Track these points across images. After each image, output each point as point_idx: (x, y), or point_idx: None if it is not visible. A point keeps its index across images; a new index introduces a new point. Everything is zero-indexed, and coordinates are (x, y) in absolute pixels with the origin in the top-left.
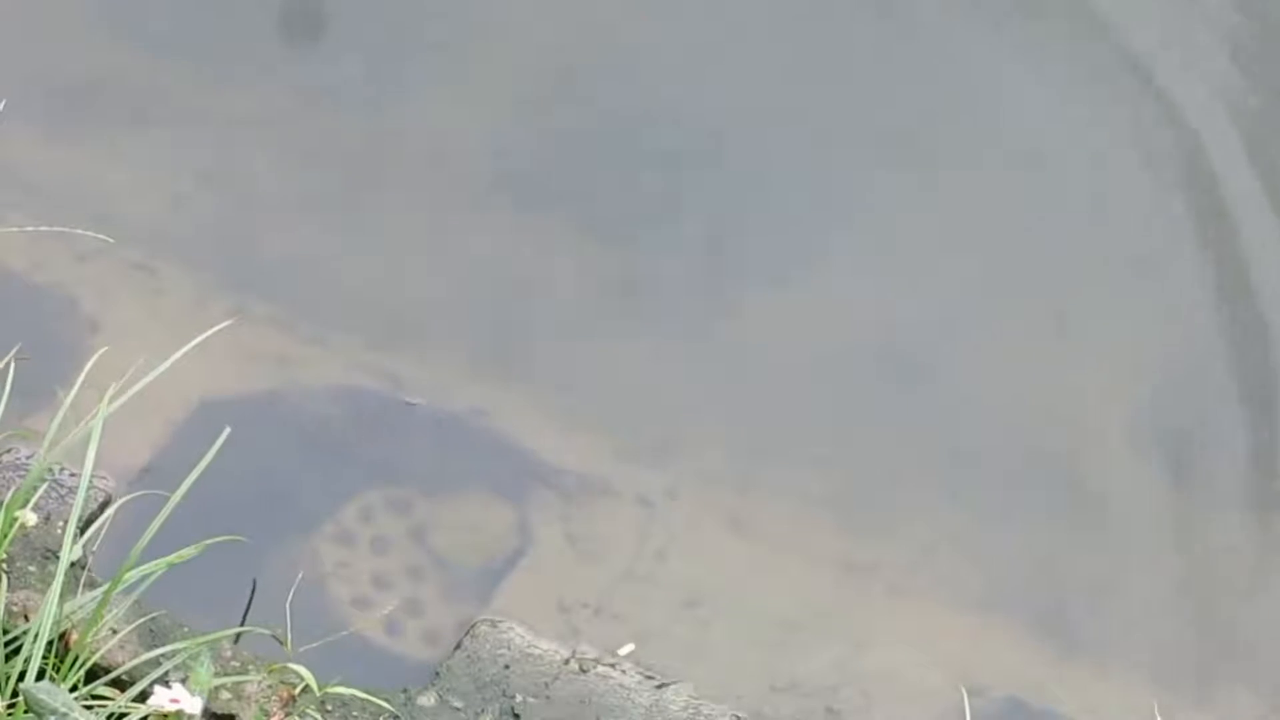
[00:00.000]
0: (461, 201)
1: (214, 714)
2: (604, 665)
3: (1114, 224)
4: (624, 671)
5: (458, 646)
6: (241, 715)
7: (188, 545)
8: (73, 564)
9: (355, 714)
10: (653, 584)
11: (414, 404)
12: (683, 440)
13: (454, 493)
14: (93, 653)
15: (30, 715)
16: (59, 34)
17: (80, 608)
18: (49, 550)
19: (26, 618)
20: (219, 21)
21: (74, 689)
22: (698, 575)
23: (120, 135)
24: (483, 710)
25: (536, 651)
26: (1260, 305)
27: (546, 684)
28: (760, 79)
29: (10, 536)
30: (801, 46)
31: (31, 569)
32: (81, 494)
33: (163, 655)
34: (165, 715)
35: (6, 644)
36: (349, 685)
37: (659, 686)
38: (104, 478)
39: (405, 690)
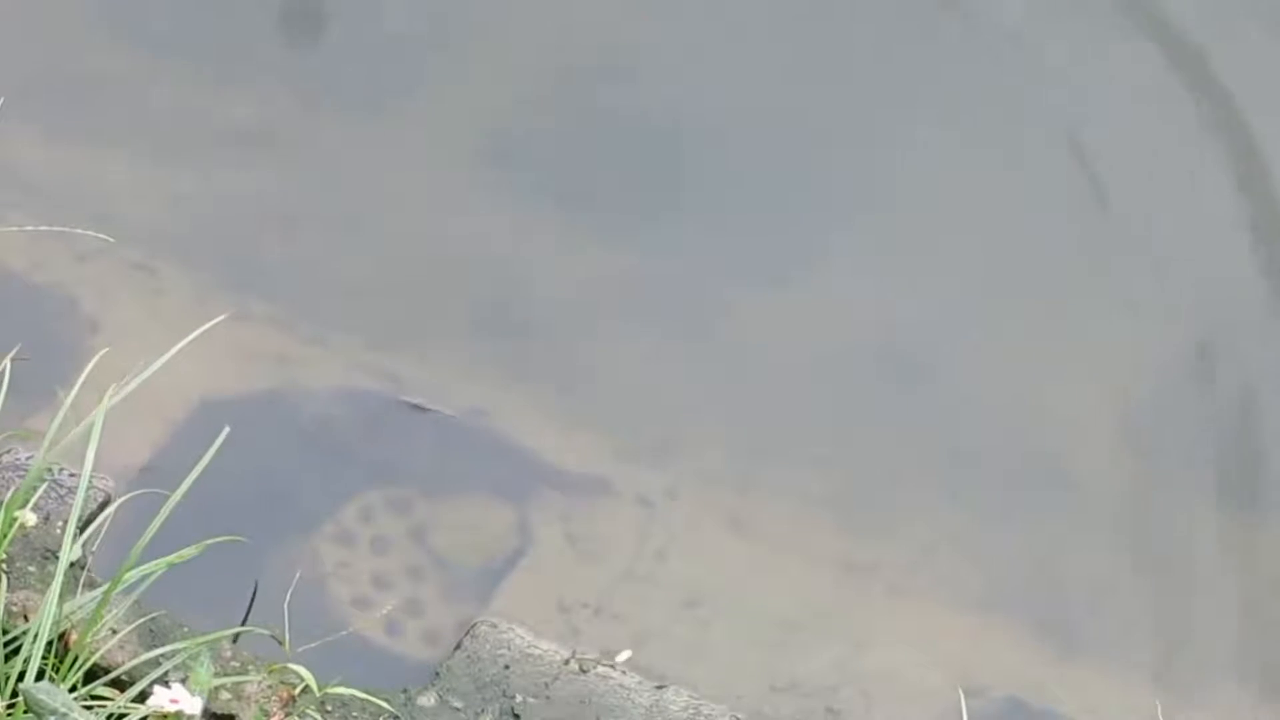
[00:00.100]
0: (462, 201)
1: (214, 714)
2: (604, 665)
3: (1115, 224)
4: (624, 672)
5: (458, 646)
6: (241, 715)
7: (188, 545)
8: (72, 564)
9: (355, 714)
10: (653, 584)
11: (414, 404)
12: (683, 440)
13: (454, 493)
14: (92, 653)
15: (30, 715)
16: (59, 34)
17: (80, 608)
18: (48, 550)
19: (26, 618)
20: (219, 21)
21: (73, 689)
22: (698, 575)
23: (120, 135)
24: (483, 710)
25: (536, 652)
26: (1261, 305)
27: (546, 684)
28: (760, 79)
29: (10, 536)
30: (801, 46)
31: (31, 569)
32: (81, 494)
33: (162, 655)
34: (165, 715)
35: (6, 644)
36: (349, 685)
37: (659, 687)
38: (104, 478)
39: (405, 690)
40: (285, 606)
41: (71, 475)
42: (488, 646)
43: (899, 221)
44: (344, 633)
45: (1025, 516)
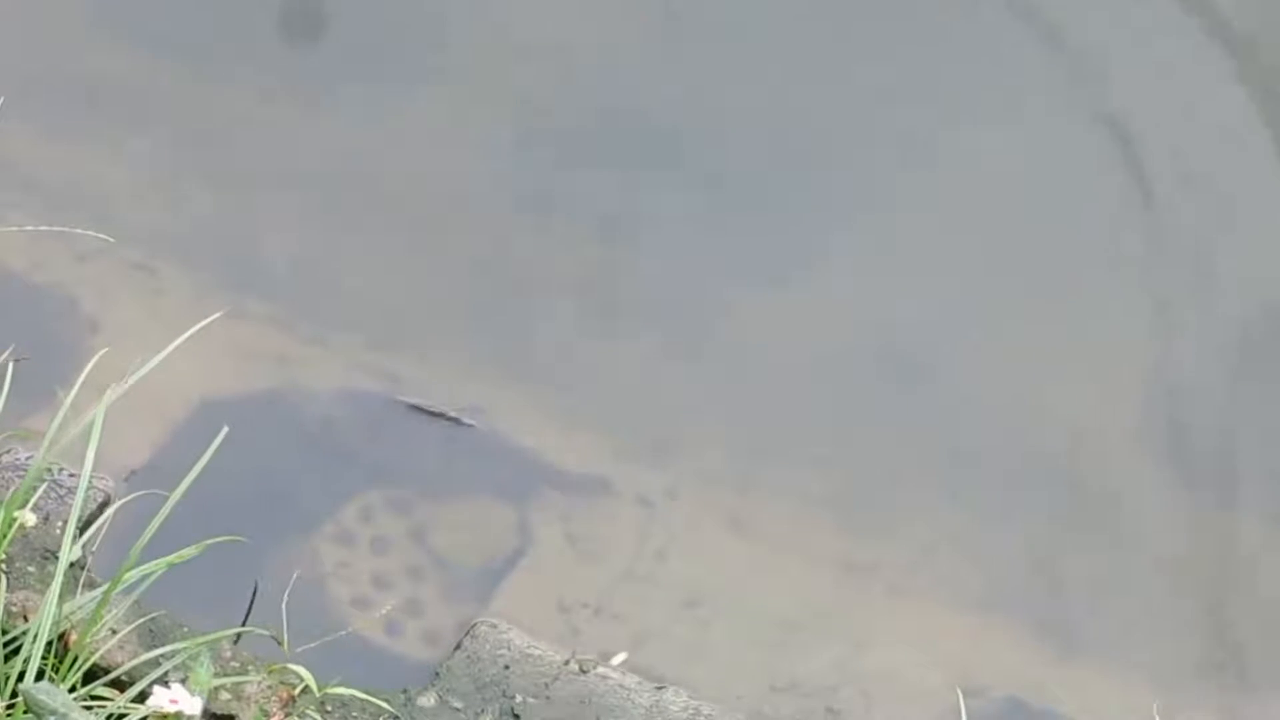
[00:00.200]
0: (461, 201)
1: (213, 714)
2: (604, 665)
3: (1115, 223)
4: (624, 672)
5: (458, 647)
6: (241, 716)
7: (188, 545)
8: (72, 564)
9: (355, 714)
10: (653, 584)
11: (414, 404)
12: (683, 440)
13: (454, 493)
14: (92, 653)
15: (29, 716)
16: (59, 34)
17: (80, 608)
18: (48, 550)
19: (26, 618)
20: (219, 21)
21: (73, 689)
22: (698, 575)
23: (120, 135)
24: (483, 710)
25: (536, 652)
26: (1260, 305)
27: (546, 684)
28: (760, 79)
29: (9, 537)
30: (801, 46)
31: (31, 569)
32: (81, 494)
33: (162, 655)
34: (165, 716)
35: (6, 644)
36: (349, 686)
37: (659, 687)
38: (103, 478)
39: (405, 690)
40: (284, 607)
41: (71, 475)
42: (488, 647)
43: (899, 221)
44: (344, 633)
45: (1025, 516)
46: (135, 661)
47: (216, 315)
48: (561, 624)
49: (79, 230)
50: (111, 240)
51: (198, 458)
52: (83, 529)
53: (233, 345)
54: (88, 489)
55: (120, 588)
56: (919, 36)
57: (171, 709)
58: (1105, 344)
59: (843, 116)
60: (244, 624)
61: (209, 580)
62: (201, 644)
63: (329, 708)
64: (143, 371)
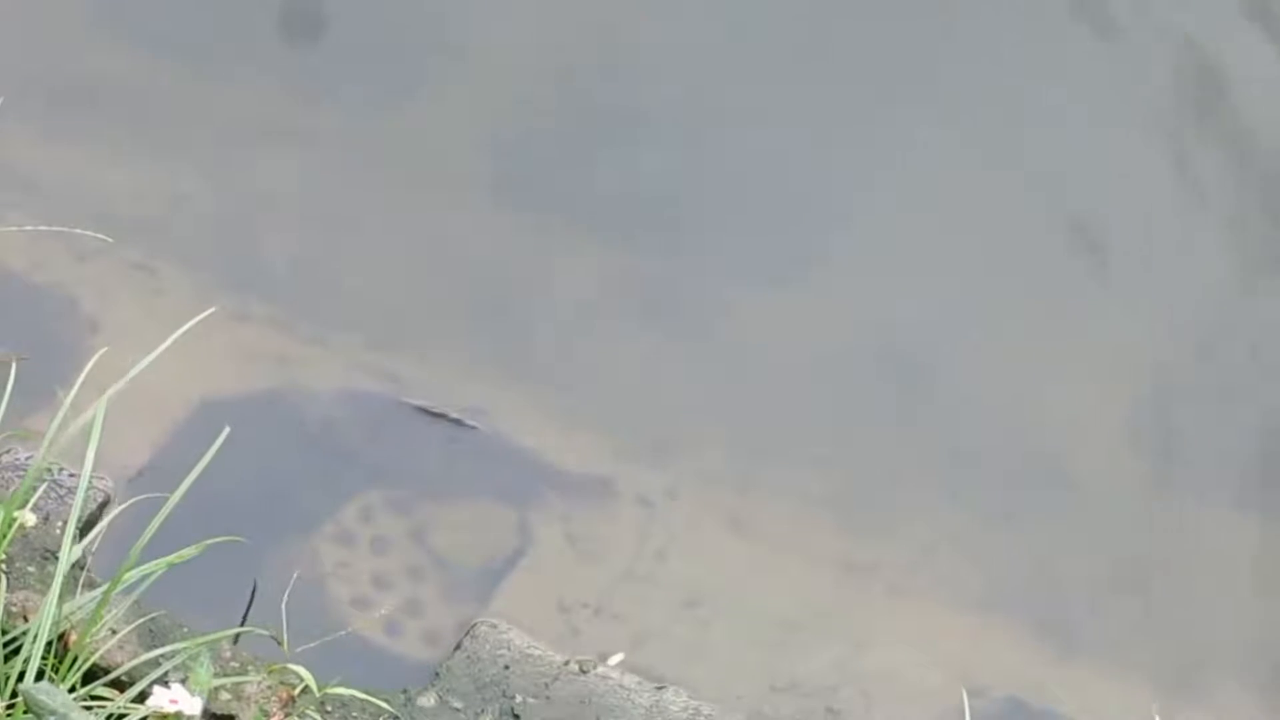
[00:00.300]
0: (461, 201)
1: (213, 714)
2: (604, 665)
3: (1114, 223)
4: (624, 672)
5: (458, 647)
6: (241, 716)
7: (187, 545)
8: (72, 564)
9: (355, 714)
10: (653, 584)
11: (414, 404)
12: (683, 440)
13: (454, 493)
14: (92, 653)
15: (29, 716)
16: (59, 34)
17: (79, 608)
18: (48, 550)
19: (26, 618)
20: (219, 21)
21: (73, 689)
22: (698, 575)
23: (120, 135)
24: (483, 711)
25: (536, 652)
26: (1260, 306)
27: (546, 684)
28: (760, 79)
29: (9, 537)
30: (801, 46)
31: (31, 569)
32: (81, 494)
33: (162, 656)
34: (165, 716)
35: (6, 644)
36: (349, 686)
37: (659, 687)
38: (103, 478)
39: (405, 691)
40: (284, 607)
41: (71, 475)
42: (487, 647)
43: (899, 221)
44: (343, 633)
45: (1025, 516)
46: (135, 661)
47: (212, 310)
48: (561, 624)
49: (79, 230)
50: (111, 240)
51: (198, 458)
52: (83, 529)
53: (233, 345)
54: (88, 489)
55: (120, 588)
56: (920, 36)
57: (171, 709)
58: (1105, 344)
59: (843, 117)
60: (244, 624)
61: (209, 580)
62: (201, 644)
63: (329, 708)
64: (139, 367)
